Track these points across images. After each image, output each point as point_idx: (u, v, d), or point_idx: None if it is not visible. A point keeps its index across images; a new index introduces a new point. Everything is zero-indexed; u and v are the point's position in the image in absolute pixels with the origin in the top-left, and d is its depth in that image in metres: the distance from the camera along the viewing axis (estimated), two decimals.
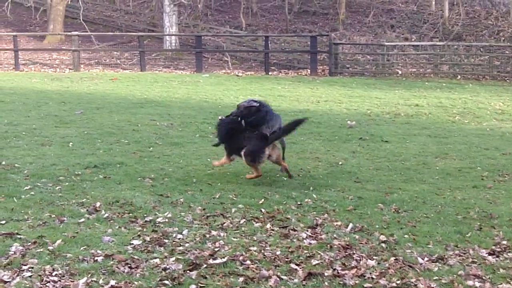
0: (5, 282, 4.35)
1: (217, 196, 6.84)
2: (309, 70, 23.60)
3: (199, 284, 4.39)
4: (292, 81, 21.17)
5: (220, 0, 35.27)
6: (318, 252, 5.11)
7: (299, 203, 6.62)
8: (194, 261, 4.75)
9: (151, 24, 32.47)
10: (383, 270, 4.78)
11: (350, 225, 5.85)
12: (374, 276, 4.67)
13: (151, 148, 9.70)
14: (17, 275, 4.48)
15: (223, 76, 22.62)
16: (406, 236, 5.64)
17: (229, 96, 16.65)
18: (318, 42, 23.86)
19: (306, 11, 33.52)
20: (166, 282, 4.38)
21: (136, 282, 4.35)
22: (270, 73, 23.62)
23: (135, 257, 4.84)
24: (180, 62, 26.59)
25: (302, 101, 15.84)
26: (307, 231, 5.68)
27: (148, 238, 5.31)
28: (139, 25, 32.46)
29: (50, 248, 5.01)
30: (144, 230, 5.58)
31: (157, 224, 5.76)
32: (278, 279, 4.54)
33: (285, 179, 7.79)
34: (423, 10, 31.85)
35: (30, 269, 4.58)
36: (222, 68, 25.13)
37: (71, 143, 9.86)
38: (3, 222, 5.78)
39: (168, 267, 4.64)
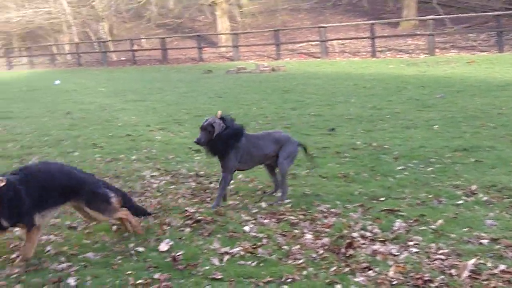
0: (394, 255, 4.56)
1: None
2: None
3: None
4: None
5: None
6: None
7: None
8: None
9: (507, 2, 30.57)
10: None
11: None
12: None
13: None
14: (404, 250, 4.65)
15: None
16: None
17: None
18: None
19: None
20: None
21: None
22: None
23: None
24: None
25: None
26: None
27: None
28: (494, 4, 30.86)
29: (433, 227, 5.09)
30: None
31: None
32: None
33: None
34: None
35: (415, 245, 4.72)
36: None
37: (436, 126, 9.89)
38: (382, 199, 6.09)
39: None
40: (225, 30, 34.42)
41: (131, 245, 4.99)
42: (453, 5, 32.38)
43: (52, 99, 17.68)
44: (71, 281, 4.30)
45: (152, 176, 7.49)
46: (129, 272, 4.44)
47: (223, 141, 5.89)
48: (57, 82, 23.88)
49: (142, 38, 39.61)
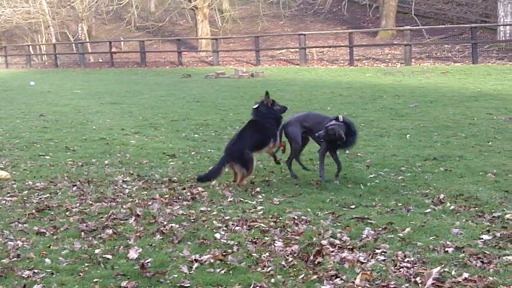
0: (362, 263, 4.61)
1: None
2: None
3: None
4: None
5: None
6: None
7: None
8: None
9: (484, 15, 31.01)
10: None
11: None
12: None
13: (490, 143, 9.27)
14: (372, 257, 4.71)
15: None
16: None
17: None
18: None
19: None
20: None
21: (490, 278, 4.21)
22: None
23: (487, 252, 4.69)
24: None
25: None
26: None
27: (498, 234, 5.09)
28: (471, 16, 31.28)
29: (400, 235, 5.16)
30: (493, 225, 5.37)
31: (506, 221, 5.49)
32: None
33: None
34: None
35: (383, 253, 4.78)
36: None
37: (408, 135, 10.02)
38: (353, 206, 6.16)
39: None
40: (205, 35, 34.41)
41: (98, 251, 4.98)
42: (431, 16, 32.75)
43: (26, 101, 17.54)
44: None
45: (124, 181, 7.48)
46: (96, 279, 4.43)
47: None
48: (32, 83, 23.66)
49: (121, 40, 39.44)
